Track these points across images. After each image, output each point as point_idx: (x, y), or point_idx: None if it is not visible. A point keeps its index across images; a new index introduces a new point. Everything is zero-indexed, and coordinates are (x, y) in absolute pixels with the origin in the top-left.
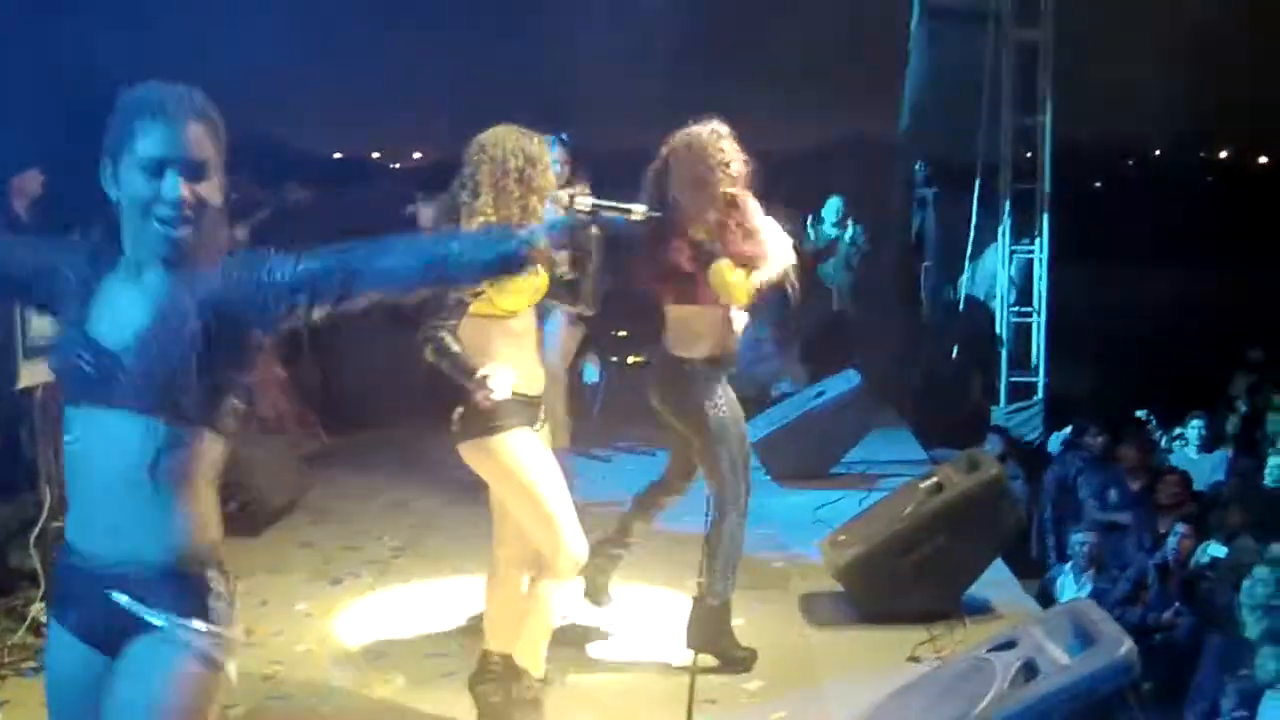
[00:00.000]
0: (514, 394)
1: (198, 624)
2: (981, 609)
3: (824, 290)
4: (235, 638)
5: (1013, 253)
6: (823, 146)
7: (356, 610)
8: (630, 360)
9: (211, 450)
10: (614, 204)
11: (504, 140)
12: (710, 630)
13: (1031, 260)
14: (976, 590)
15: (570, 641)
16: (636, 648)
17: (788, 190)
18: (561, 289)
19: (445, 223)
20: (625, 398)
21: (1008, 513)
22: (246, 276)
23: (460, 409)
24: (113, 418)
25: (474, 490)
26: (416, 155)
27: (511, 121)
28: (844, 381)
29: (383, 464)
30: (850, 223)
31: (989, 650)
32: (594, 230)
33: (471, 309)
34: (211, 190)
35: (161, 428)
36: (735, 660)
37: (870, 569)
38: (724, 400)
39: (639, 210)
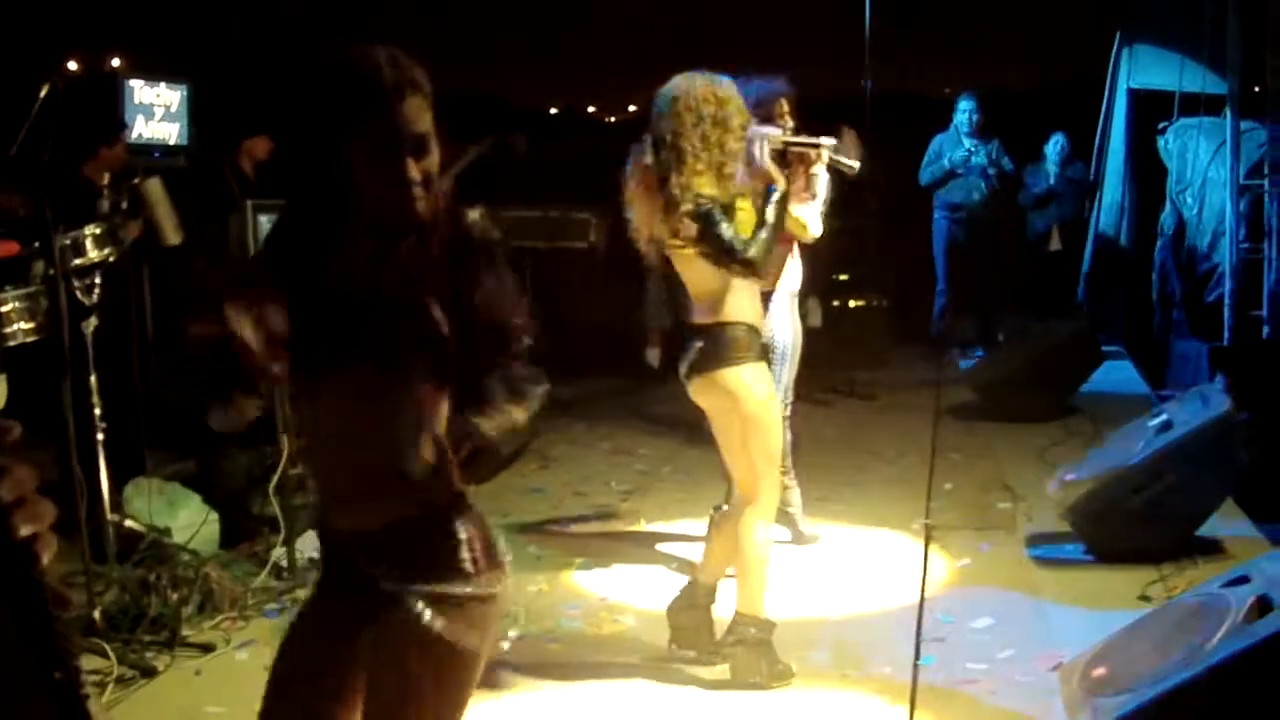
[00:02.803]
0: (743, 325)
1: (450, 587)
2: (1212, 548)
3: (1044, 229)
4: (495, 590)
5: (1243, 189)
6: (1045, 83)
7: (585, 552)
8: (852, 304)
9: (443, 404)
10: (804, 140)
11: (692, 87)
12: None
13: (1262, 195)
14: (1207, 529)
15: (798, 582)
16: (863, 588)
17: (1011, 128)
18: None
19: (643, 175)
20: (847, 342)
21: (1239, 450)
22: (486, 304)
23: (700, 343)
24: (353, 380)
25: (700, 437)
26: (631, 108)
27: (721, 70)
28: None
29: (609, 412)
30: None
31: (1221, 586)
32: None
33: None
34: (435, 161)
35: (399, 386)
36: None
37: (1099, 508)
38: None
39: (827, 144)
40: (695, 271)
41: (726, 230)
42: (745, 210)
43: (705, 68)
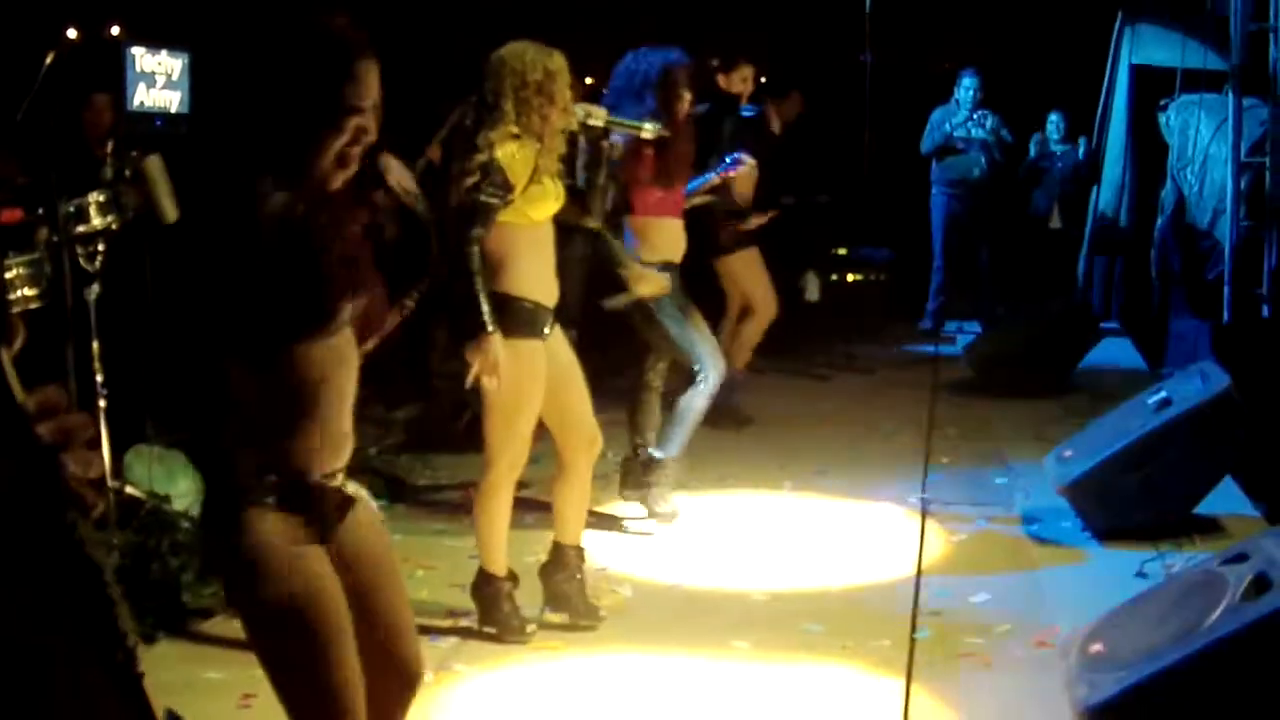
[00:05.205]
0: (528, 301)
1: None
2: (1210, 526)
3: (1045, 207)
4: None
5: (1244, 166)
6: (1045, 58)
7: None
8: (850, 278)
9: None
10: (626, 121)
11: (524, 53)
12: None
13: (1263, 172)
14: (1205, 507)
15: (795, 556)
16: (860, 561)
17: (1011, 103)
18: (572, 201)
19: (465, 133)
20: (844, 316)
21: (1238, 428)
22: None
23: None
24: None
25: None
26: (588, 80)
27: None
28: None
29: (603, 383)
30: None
31: (1220, 563)
32: (606, 145)
33: (501, 217)
34: (374, 128)
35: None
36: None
37: (1097, 484)
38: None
39: (650, 128)
40: (497, 239)
41: (477, 201)
42: (544, 187)
43: (688, 42)
